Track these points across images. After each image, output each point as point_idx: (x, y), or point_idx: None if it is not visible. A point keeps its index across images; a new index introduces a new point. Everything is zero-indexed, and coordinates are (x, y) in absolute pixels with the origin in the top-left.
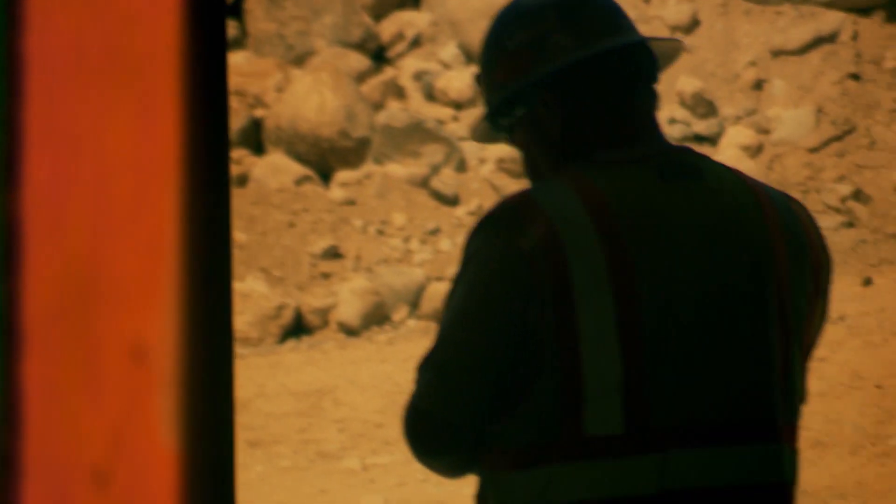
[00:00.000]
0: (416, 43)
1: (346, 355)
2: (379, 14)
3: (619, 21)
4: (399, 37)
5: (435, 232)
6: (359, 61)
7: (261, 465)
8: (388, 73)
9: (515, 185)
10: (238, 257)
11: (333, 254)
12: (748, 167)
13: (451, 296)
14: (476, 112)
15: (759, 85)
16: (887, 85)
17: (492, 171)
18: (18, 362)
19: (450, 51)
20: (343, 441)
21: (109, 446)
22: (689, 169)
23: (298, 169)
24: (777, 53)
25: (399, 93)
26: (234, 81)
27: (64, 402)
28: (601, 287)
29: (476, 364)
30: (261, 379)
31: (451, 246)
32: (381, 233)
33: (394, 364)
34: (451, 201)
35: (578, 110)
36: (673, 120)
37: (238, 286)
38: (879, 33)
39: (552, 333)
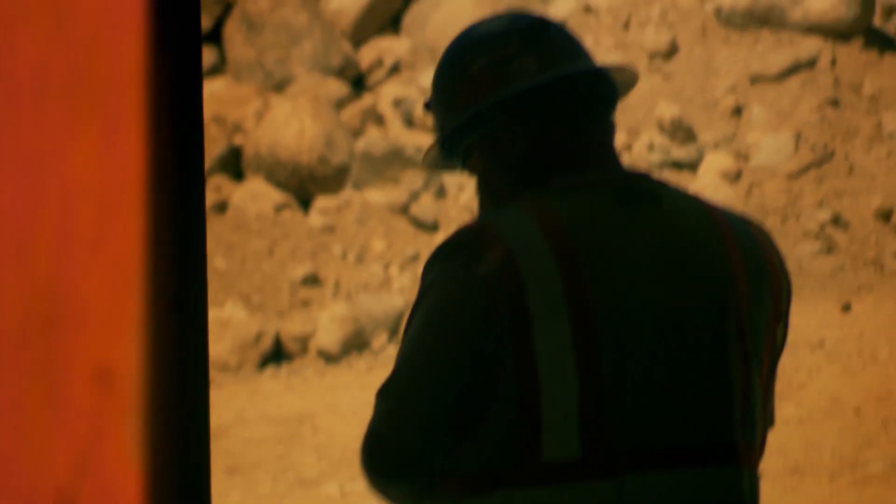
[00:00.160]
0: (395, 70)
1: (326, 382)
2: (358, 41)
3: (578, 49)
4: (378, 63)
5: (414, 258)
6: (338, 88)
7: (239, 492)
8: (368, 99)
9: None
10: (217, 284)
11: (313, 280)
12: (727, 193)
13: (410, 324)
14: None
15: (737, 111)
16: (866, 111)
17: (471, 198)
18: None
19: (429, 77)
20: (322, 468)
21: (74, 469)
22: (647, 194)
23: (278, 196)
24: (756, 80)
25: (378, 119)
26: (213, 108)
27: (29, 425)
28: (558, 312)
29: (434, 392)
30: (240, 405)
31: None
32: (360, 259)
33: (373, 391)
34: (431, 228)
35: (540, 134)
36: (652, 146)
37: (217, 313)
38: (858, 59)
39: (510, 359)
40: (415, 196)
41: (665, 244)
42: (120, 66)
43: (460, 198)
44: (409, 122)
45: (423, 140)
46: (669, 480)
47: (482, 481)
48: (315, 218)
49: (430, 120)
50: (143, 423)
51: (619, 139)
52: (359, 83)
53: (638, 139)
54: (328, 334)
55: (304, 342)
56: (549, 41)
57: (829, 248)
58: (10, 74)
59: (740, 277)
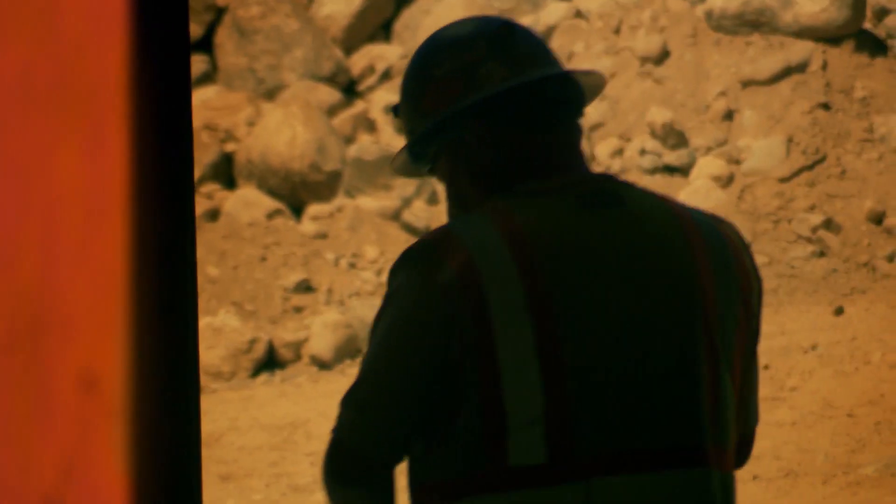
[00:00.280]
0: (386, 76)
1: (319, 388)
2: (349, 47)
3: (546, 54)
4: (369, 70)
5: None
6: (329, 95)
7: (233, 499)
8: (359, 106)
9: None
10: (210, 291)
11: (305, 287)
12: (719, 197)
13: (374, 332)
14: None
15: (729, 115)
16: (857, 114)
17: None
18: None
19: None
20: (315, 474)
21: (60, 475)
22: (611, 197)
23: (270, 203)
24: (747, 84)
25: (370, 126)
26: (204, 115)
27: (15, 431)
28: (520, 318)
29: (396, 400)
30: (233, 413)
31: None
32: (353, 266)
33: None
34: (423, 234)
35: (507, 139)
36: (643, 151)
37: (210, 320)
38: (849, 63)
39: (473, 366)
40: (407, 202)
41: (628, 246)
42: (104, 74)
43: None
44: (401, 128)
45: None
46: (636, 483)
47: (450, 487)
48: (307, 225)
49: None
50: (128, 429)
51: (611, 144)
52: (350, 90)
53: (630, 144)
54: (321, 341)
55: (297, 349)
56: (515, 46)
57: (822, 252)
58: None
59: (707, 278)
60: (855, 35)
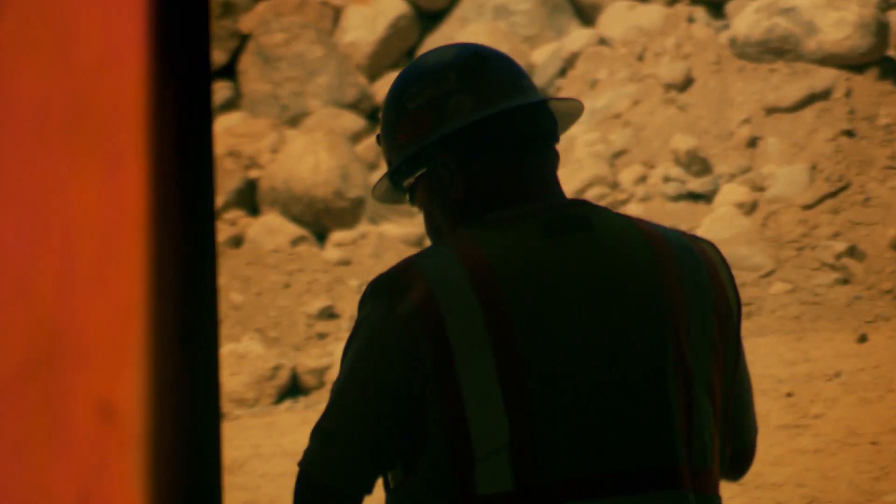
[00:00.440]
0: None
1: None
2: (373, 74)
3: (519, 82)
4: None
5: None
6: (353, 121)
7: None
8: None
9: None
10: (233, 318)
11: (329, 314)
12: (742, 224)
13: (342, 364)
14: None
15: (753, 142)
16: (881, 141)
17: None
18: None
19: None
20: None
21: None
22: (578, 222)
23: (293, 229)
24: (771, 111)
25: None
26: (228, 142)
27: (32, 461)
28: (481, 348)
29: (360, 432)
30: (256, 440)
31: None
32: None
33: None
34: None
35: (478, 170)
36: (667, 178)
37: (233, 347)
38: (872, 90)
39: (436, 397)
40: None
41: (594, 271)
42: (122, 101)
43: None
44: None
45: None
46: None
47: None
48: (331, 251)
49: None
50: (147, 458)
51: (635, 171)
52: (374, 116)
53: (653, 171)
54: None
55: (320, 376)
56: (485, 76)
57: (846, 279)
58: (12, 109)
59: (677, 300)
60: (878, 62)
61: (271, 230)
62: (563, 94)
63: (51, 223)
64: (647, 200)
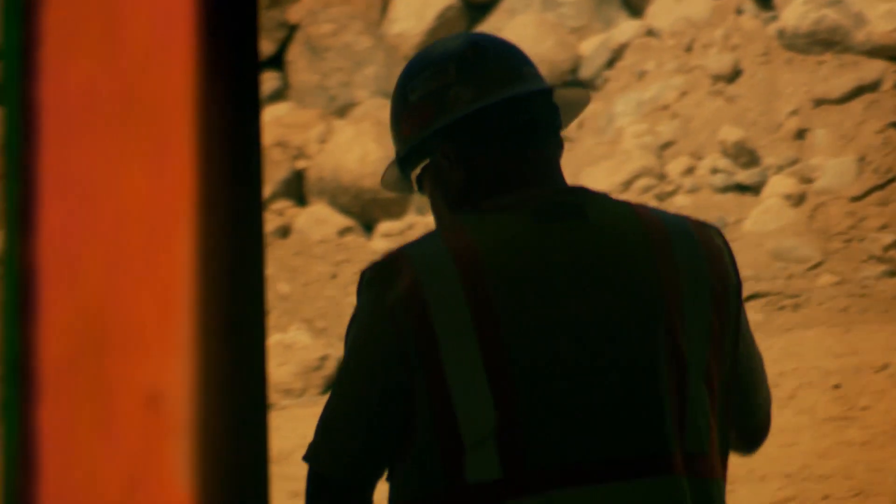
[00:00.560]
0: None
1: None
2: None
3: (521, 70)
4: None
5: None
6: None
7: None
8: None
9: None
10: (281, 308)
11: None
12: (790, 216)
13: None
14: None
15: (801, 134)
16: None
17: None
18: (34, 409)
19: None
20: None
21: (124, 493)
22: (571, 209)
23: (341, 220)
24: (819, 102)
25: None
26: (276, 133)
27: (79, 449)
28: (466, 336)
29: (354, 422)
30: (303, 430)
31: None
32: None
33: None
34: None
35: (477, 160)
36: (715, 169)
37: (281, 337)
38: None
39: (423, 386)
40: None
41: (584, 258)
42: (171, 88)
43: None
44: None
45: None
46: (599, 494)
47: None
48: (378, 242)
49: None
50: (194, 446)
51: (683, 163)
52: None
53: (701, 163)
54: None
55: None
56: (484, 67)
57: (893, 271)
58: (60, 97)
59: (670, 286)
60: None
61: (319, 220)
62: (611, 86)
63: (99, 211)
64: (695, 192)
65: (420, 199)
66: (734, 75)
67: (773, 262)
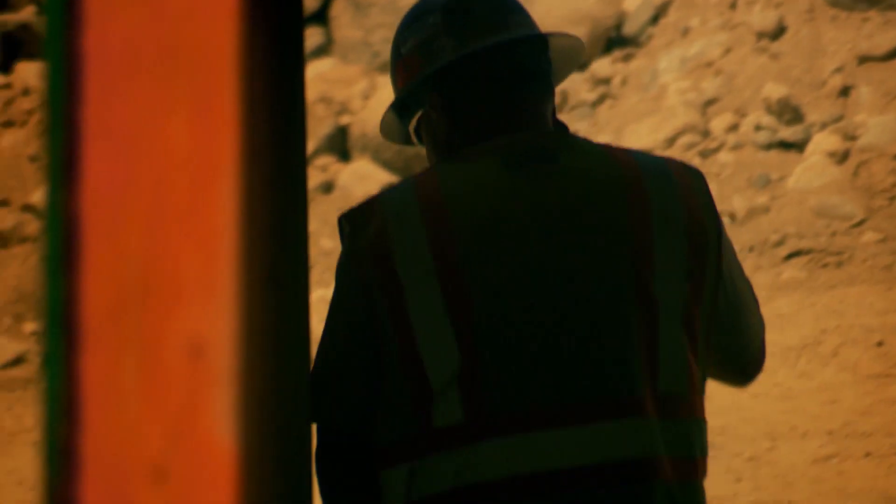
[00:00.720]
0: None
1: None
2: None
3: (508, 19)
4: None
5: None
6: None
7: None
8: None
9: None
10: (324, 264)
11: None
12: (834, 174)
13: None
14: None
15: (845, 91)
16: None
17: None
18: (78, 359)
19: None
20: None
21: (168, 443)
22: (541, 154)
23: (384, 176)
24: (863, 60)
25: None
26: (319, 88)
27: (122, 399)
28: (428, 282)
29: (339, 369)
30: None
31: None
32: None
33: None
34: None
35: (460, 109)
36: (759, 126)
37: (323, 293)
38: None
39: (391, 333)
40: None
41: (551, 203)
42: (214, 41)
43: None
44: None
45: None
46: (559, 438)
47: (390, 453)
48: None
49: None
50: (236, 397)
51: (726, 119)
52: None
53: (745, 119)
54: None
55: None
56: (471, 17)
57: None
58: (103, 50)
59: (641, 227)
60: None
61: (362, 177)
62: (654, 43)
63: (142, 162)
64: (738, 149)
65: None
66: (778, 32)
67: (816, 220)
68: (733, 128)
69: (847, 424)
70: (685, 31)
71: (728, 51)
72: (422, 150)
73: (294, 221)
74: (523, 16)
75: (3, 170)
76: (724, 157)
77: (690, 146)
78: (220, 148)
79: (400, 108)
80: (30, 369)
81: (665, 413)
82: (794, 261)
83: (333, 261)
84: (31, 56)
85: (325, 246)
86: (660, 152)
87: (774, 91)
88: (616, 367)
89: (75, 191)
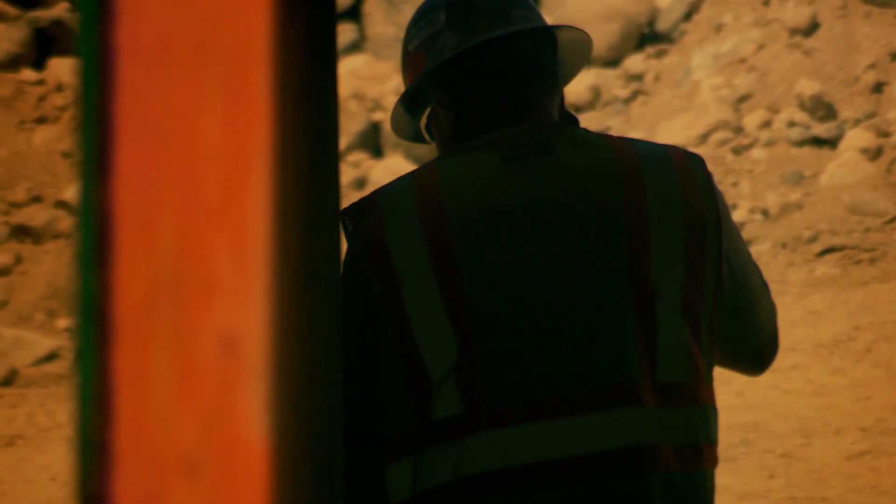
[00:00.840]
0: None
1: None
2: None
3: (510, 13)
4: None
5: None
6: None
7: None
8: None
9: None
10: None
11: None
12: (867, 170)
13: None
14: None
15: (878, 88)
16: None
17: None
18: (110, 352)
19: None
20: None
21: (200, 436)
22: (538, 146)
23: None
24: None
25: None
26: (352, 85)
27: (155, 393)
28: (425, 276)
29: (351, 371)
30: None
31: None
32: None
33: None
34: None
35: (463, 103)
36: (792, 123)
37: None
38: None
39: (389, 327)
40: None
41: (546, 195)
42: (248, 36)
43: None
44: None
45: None
46: (556, 428)
47: (394, 448)
48: None
49: (567, 95)
50: (269, 390)
51: (759, 116)
52: None
53: (778, 116)
54: None
55: None
56: (473, 12)
57: None
58: (136, 45)
59: (637, 216)
60: None
61: (394, 172)
62: (688, 39)
63: (175, 156)
64: (771, 145)
65: None
66: (811, 28)
67: (849, 216)
68: (766, 124)
69: (880, 421)
70: (718, 28)
71: (761, 47)
72: None
73: (326, 216)
74: (527, 9)
75: (36, 166)
76: (757, 153)
77: (723, 143)
78: (253, 143)
79: (410, 106)
80: (63, 365)
81: (665, 401)
82: (828, 257)
83: None
84: (63, 52)
85: None
86: (693, 149)
87: (807, 87)
88: (612, 357)
89: (108, 186)
